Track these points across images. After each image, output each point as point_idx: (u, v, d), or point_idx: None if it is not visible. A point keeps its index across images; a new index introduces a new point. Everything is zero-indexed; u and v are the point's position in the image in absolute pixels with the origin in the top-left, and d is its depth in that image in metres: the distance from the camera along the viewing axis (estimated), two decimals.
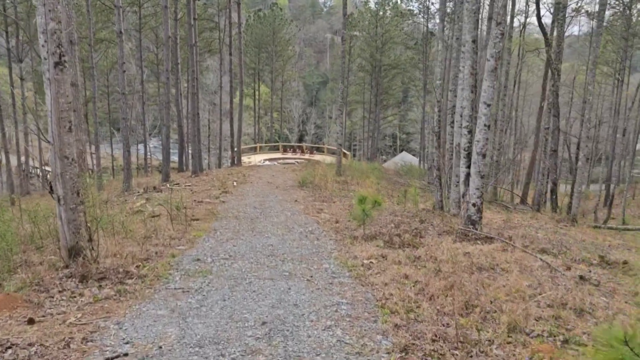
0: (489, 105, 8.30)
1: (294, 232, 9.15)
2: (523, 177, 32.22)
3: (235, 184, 19.29)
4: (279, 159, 37.56)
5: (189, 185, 19.48)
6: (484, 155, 8.47)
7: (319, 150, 44.32)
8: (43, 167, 51.44)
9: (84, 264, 6.43)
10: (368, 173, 23.46)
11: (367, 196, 8.38)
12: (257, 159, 36.91)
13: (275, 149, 44.62)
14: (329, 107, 69.17)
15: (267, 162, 34.90)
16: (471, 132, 8.85)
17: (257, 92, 49.65)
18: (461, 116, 12.43)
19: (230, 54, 30.50)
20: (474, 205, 8.67)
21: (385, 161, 56.48)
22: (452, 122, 13.60)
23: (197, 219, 11.16)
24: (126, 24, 38.54)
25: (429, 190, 20.61)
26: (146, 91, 43.19)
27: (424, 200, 16.67)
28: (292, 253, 7.44)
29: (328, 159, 34.94)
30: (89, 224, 6.99)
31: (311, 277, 6.08)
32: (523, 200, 24.52)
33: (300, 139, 64.71)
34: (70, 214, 6.50)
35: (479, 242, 8.06)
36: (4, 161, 52.40)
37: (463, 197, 8.78)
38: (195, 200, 14.46)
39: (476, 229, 8.65)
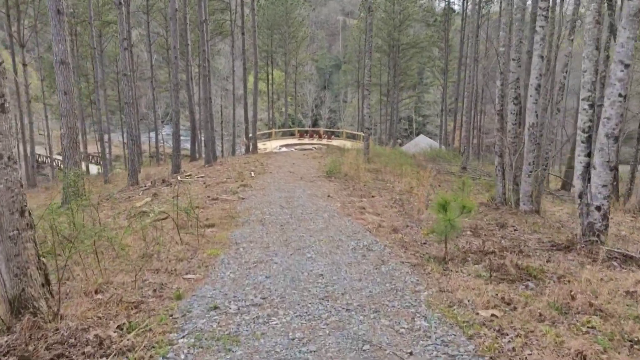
0: (627, 66, 5.57)
1: (345, 248, 6.53)
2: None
3: (253, 174, 16.71)
4: (296, 144, 34.89)
5: (201, 177, 16.93)
6: (615, 139, 5.77)
7: (337, 134, 41.54)
8: (53, 156, 49.27)
9: (34, 326, 3.88)
10: (398, 159, 20.76)
11: (449, 200, 5.70)
12: (272, 145, 34.28)
13: (290, 134, 41.92)
14: (343, 90, 66.16)
15: (283, 149, 32.25)
16: (593, 106, 6.11)
17: (270, 76, 46.80)
18: (537, 90, 9.70)
19: (243, 34, 27.72)
20: (598, 209, 6.00)
21: (401, 144, 53.60)
22: (516, 98, 10.84)
23: (212, 225, 8.58)
24: (134, 6, 35.85)
25: (471, 178, 17.89)
26: (157, 78, 40.64)
27: (474, 190, 13.97)
28: (356, 292, 4.82)
29: (348, 143, 32.22)
30: (43, 259, 4.40)
31: (410, 354, 3.46)
32: (565, 187, 21.80)
33: (315, 124, 61.88)
34: (10, 247, 3.92)
35: (620, 265, 5.39)
36: (16, 151, 50.30)
37: (580, 197, 6.08)
38: (209, 197, 11.90)
39: (602, 242, 5.99)
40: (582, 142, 6.15)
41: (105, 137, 45.36)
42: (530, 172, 10.11)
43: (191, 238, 7.46)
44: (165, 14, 37.19)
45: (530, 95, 9.85)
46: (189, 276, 5.66)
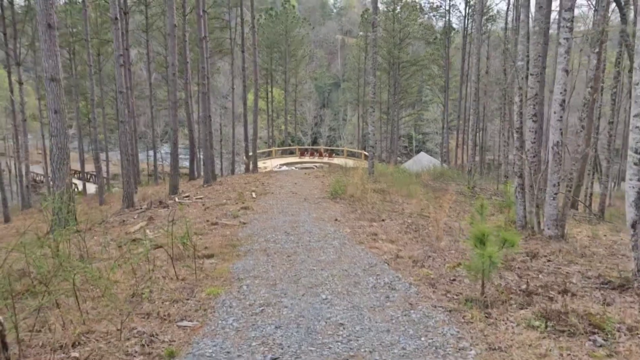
0: None
1: (364, 287, 5.66)
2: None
3: (254, 195, 15.86)
4: (296, 163, 34.11)
5: (200, 198, 16.07)
6: None
7: (338, 152, 40.80)
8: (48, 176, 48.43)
9: None
10: (404, 179, 19.94)
11: (487, 232, 4.86)
12: (272, 163, 33.49)
13: (290, 152, 41.20)
14: (343, 108, 65.65)
15: (284, 167, 31.46)
16: None
17: (269, 94, 46.26)
18: (561, 106, 8.93)
19: (243, 52, 27.11)
20: None
21: (400, 162, 52.84)
22: (534, 115, 10.07)
23: (212, 255, 7.70)
24: (133, 24, 35.34)
25: (478, 198, 17.06)
26: (156, 96, 40.01)
27: (487, 212, 13.11)
28: (386, 349, 3.94)
29: (349, 162, 31.40)
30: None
31: None
32: (574, 205, 20.96)
33: (314, 142, 61.22)
34: None
35: None
36: (13, 171, 49.45)
37: (633, 227, 5.24)
38: (208, 222, 11.04)
39: None
40: (635, 164, 5.33)
41: (103, 155, 44.62)
42: (555, 194, 9.29)
43: (188, 272, 6.58)
44: (165, 32, 36.69)
45: (554, 112, 9.08)
46: (184, 323, 4.77)
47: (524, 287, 5.34)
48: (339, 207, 13.04)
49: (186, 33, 25.08)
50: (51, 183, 10.92)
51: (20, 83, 25.91)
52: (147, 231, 10.36)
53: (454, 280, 5.87)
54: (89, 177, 46.45)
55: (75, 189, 39.01)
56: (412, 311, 4.76)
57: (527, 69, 10.26)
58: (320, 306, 4.99)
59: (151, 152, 44.72)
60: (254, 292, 5.61)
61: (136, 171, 30.01)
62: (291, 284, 5.87)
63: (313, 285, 5.77)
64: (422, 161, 40.80)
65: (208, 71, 20.81)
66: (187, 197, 16.44)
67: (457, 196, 18.09)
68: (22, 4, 31.82)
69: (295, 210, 12.31)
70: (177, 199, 15.67)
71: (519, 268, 6.45)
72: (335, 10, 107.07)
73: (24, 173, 27.50)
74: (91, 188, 40.60)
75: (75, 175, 47.50)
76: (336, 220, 10.81)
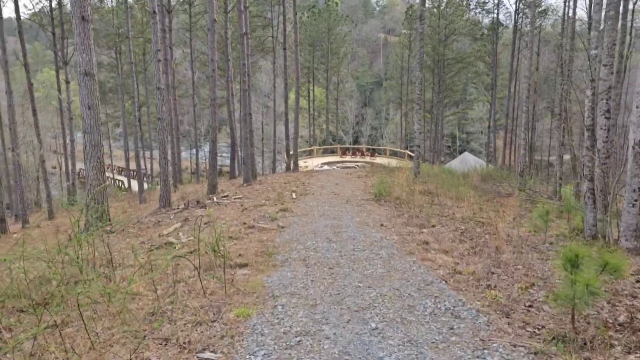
0: None
1: (421, 313, 4.68)
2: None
3: (294, 195, 15.06)
4: (338, 162, 33.19)
5: (239, 198, 15.40)
6: None
7: (380, 152, 39.64)
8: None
9: None
10: (451, 180, 18.71)
11: (581, 253, 3.81)
12: (313, 162, 32.70)
13: (332, 151, 40.32)
14: (384, 107, 64.29)
15: (325, 167, 30.61)
16: None
17: (311, 93, 45.51)
18: None
19: (285, 49, 26.39)
20: None
21: (444, 162, 51.10)
22: (607, 110, 8.79)
23: (245, 265, 6.88)
24: (178, 24, 35.30)
25: (533, 201, 15.67)
26: (199, 95, 39.97)
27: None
28: None
29: (392, 161, 30.25)
30: None
31: None
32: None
33: (355, 141, 60.18)
34: None
35: None
36: (64, 167, 50.63)
37: None
38: (244, 224, 10.26)
39: None
40: None
41: (148, 154, 45.04)
42: (635, 200, 8.01)
43: (217, 285, 5.77)
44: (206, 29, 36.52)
45: (637, 107, 7.80)
46: (206, 355, 3.95)
47: (623, 319, 4.24)
48: (384, 210, 12.05)
49: (228, 30, 24.58)
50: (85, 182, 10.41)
51: (67, 82, 26.05)
52: (180, 234, 9.69)
53: (531, 306, 4.81)
54: (134, 174, 47.09)
55: (122, 186, 39.31)
56: (485, 351, 3.76)
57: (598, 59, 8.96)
58: (369, 339, 4.05)
59: (195, 151, 44.87)
60: (291, 314, 4.74)
61: (178, 169, 29.84)
62: (334, 305, 4.96)
63: (360, 308, 4.85)
64: (468, 161, 39.16)
65: (249, 68, 20.18)
66: (225, 196, 15.81)
67: (509, 199, 16.76)
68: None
69: (337, 213, 11.40)
70: (215, 199, 15.05)
71: (605, 290, 5.32)
72: (377, 9, 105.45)
73: (70, 170, 27.71)
74: (136, 185, 41.02)
75: (122, 173, 48.34)
76: (382, 225, 9.84)
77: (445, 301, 4.96)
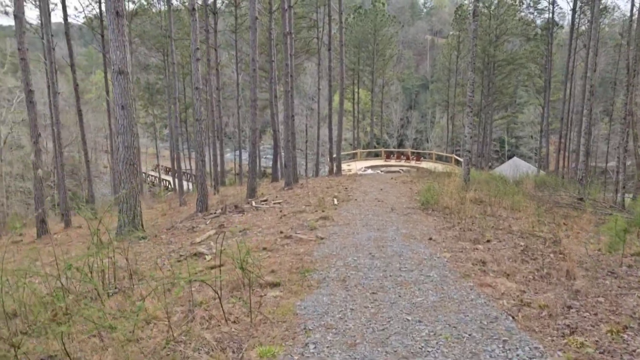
0: None
1: None
2: None
3: (336, 201, 14.19)
4: (382, 166, 32.10)
5: (278, 203, 14.68)
6: None
7: (425, 156, 38.22)
8: (152, 173, 50.08)
9: None
10: (503, 187, 17.32)
11: None
12: (357, 166, 31.74)
13: (376, 155, 39.23)
14: (430, 110, 62.52)
15: (369, 171, 29.60)
16: None
17: (356, 95, 44.53)
18: None
19: (329, 50, 25.61)
20: None
21: (491, 167, 48.91)
22: None
23: (277, 284, 6.06)
24: (223, 24, 35.15)
25: (595, 213, 14.17)
26: (244, 97, 39.78)
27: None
28: None
29: (438, 166, 28.91)
30: None
31: None
32: None
33: (400, 144, 58.76)
34: None
35: None
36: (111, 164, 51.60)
37: None
38: (281, 233, 9.47)
39: None
40: None
41: (194, 155, 45.24)
42: None
43: (242, 311, 4.97)
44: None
45: None
46: None
47: None
48: (432, 220, 11.00)
49: (272, 31, 24.01)
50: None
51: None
52: (212, 243, 8.98)
53: None
54: (185, 174, 47.57)
55: (169, 186, 39.45)
56: None
57: None
58: None
59: (239, 152, 44.77)
60: (324, 358, 3.85)
61: (221, 171, 29.58)
62: (377, 346, 4.05)
63: (409, 353, 3.91)
64: (519, 167, 37.11)
65: (292, 69, 19.49)
66: (264, 201, 15.12)
67: (569, 210, 15.30)
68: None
69: (381, 223, 10.44)
70: (254, 203, 14.39)
71: None
72: (425, 10, 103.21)
73: (115, 170, 27.92)
74: (185, 186, 41.33)
75: (169, 173, 48.90)
76: (431, 239, 8.81)
77: (517, 348, 3.95)
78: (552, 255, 7.91)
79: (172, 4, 20.77)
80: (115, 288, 6.27)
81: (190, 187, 40.77)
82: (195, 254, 8.11)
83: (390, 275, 6.29)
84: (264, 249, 8.20)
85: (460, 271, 6.57)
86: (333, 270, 6.62)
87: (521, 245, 8.61)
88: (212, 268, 7.03)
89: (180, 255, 8.29)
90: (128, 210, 9.90)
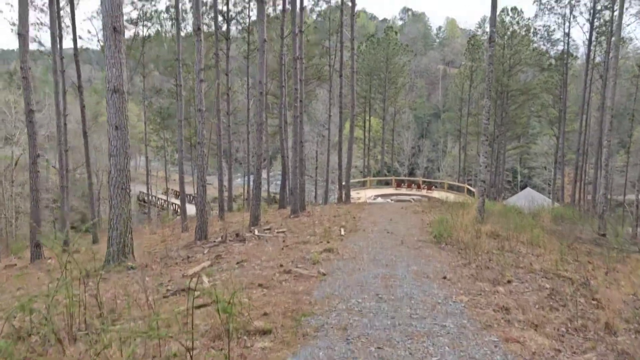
0: None
1: None
2: None
3: (343, 232, 13.32)
4: (392, 195, 31.19)
5: (282, 232, 13.84)
6: None
7: (437, 185, 37.25)
8: (161, 197, 49.53)
9: None
10: (519, 220, 16.31)
11: None
12: (367, 194, 30.87)
13: (386, 183, 38.34)
14: (442, 139, 61.73)
15: (379, 199, 28.71)
16: None
17: (367, 123, 43.95)
18: None
19: (341, 76, 25.12)
20: None
21: (504, 198, 47.65)
22: None
23: (268, 331, 5.18)
24: (236, 51, 34.99)
25: (621, 250, 13.10)
26: (252, 121, 39.42)
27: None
28: None
29: (451, 196, 27.92)
30: None
31: None
32: None
33: (411, 173, 57.85)
34: None
35: None
36: (134, 191, 51.29)
37: None
38: (281, 267, 8.62)
39: None
40: None
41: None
42: None
43: None
44: (266, 59, 35.94)
45: None
46: None
47: None
48: (445, 256, 10.07)
49: (283, 56, 23.61)
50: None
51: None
52: (205, 277, 8.13)
53: None
54: (191, 198, 46.98)
55: (178, 210, 38.72)
56: None
57: None
58: None
59: (247, 178, 44.13)
60: None
61: (229, 196, 28.85)
62: None
63: None
64: (533, 198, 35.88)
65: (302, 94, 18.90)
66: (268, 229, 14.29)
67: (591, 246, 14.24)
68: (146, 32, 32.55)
69: (390, 258, 9.54)
70: (256, 232, 13.56)
71: None
72: (437, 41, 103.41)
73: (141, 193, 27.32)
74: (191, 209, 40.68)
75: (179, 197, 48.32)
76: (445, 278, 7.89)
77: None
78: (583, 300, 6.95)
79: (180, 27, 20.36)
80: (85, 330, 5.44)
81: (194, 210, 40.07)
82: (183, 290, 7.27)
83: (399, 324, 5.38)
84: (260, 285, 7.35)
85: (481, 320, 5.65)
86: (333, 315, 5.74)
87: (547, 288, 7.65)
88: (199, 307, 6.18)
89: (168, 290, 7.47)
90: (117, 237, 9.13)
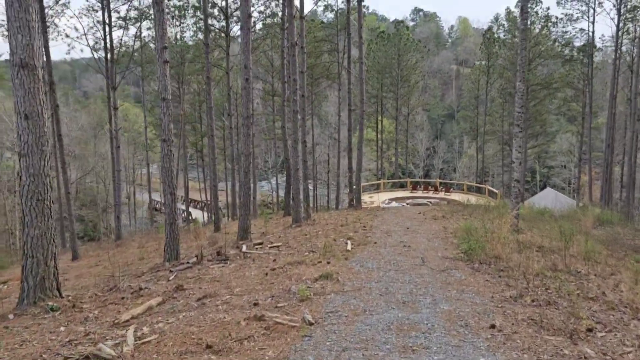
0: None
1: None
2: None
3: (349, 246, 10.51)
4: (408, 198, 28.20)
5: (276, 247, 11.10)
6: None
7: (455, 187, 34.16)
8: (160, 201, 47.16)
9: None
10: (555, 225, 13.23)
11: None
12: (380, 198, 27.96)
13: (401, 185, 35.36)
14: (457, 140, 58.47)
15: (393, 203, 25.81)
16: None
17: (379, 124, 41.01)
18: None
19: (349, 72, 22.38)
20: None
21: (523, 199, 44.17)
22: None
23: None
24: (234, 49, 32.47)
25: None
26: (258, 123, 36.95)
27: None
28: None
29: (472, 198, 24.86)
30: None
31: None
32: None
33: (426, 175, 54.71)
34: None
35: None
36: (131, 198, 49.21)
37: None
38: (254, 307, 5.90)
39: None
40: None
41: (221, 185, 42.29)
42: None
43: None
44: (270, 57, 33.40)
45: None
46: None
47: None
48: (483, 282, 7.21)
49: (285, 49, 20.96)
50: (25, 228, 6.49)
51: (115, 108, 23.39)
52: (144, 328, 5.40)
53: None
54: (203, 205, 44.57)
55: (191, 218, 36.22)
56: None
57: None
58: None
59: (263, 183, 41.68)
60: None
61: (216, 207, 26.21)
62: None
63: None
64: (557, 199, 32.47)
65: (303, 87, 16.18)
66: (259, 244, 11.56)
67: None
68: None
69: (409, 288, 6.73)
70: (244, 248, 10.84)
71: None
72: (450, 40, 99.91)
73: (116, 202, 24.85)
74: (199, 216, 38.26)
75: (192, 204, 45.96)
76: (493, 327, 5.05)
77: None
78: None
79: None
80: None
81: (205, 217, 37.58)
82: (88, 357, 4.55)
83: None
84: (208, 347, 4.61)
85: None
86: None
87: None
88: None
89: (71, 354, 4.75)
90: (34, 267, 6.48)
